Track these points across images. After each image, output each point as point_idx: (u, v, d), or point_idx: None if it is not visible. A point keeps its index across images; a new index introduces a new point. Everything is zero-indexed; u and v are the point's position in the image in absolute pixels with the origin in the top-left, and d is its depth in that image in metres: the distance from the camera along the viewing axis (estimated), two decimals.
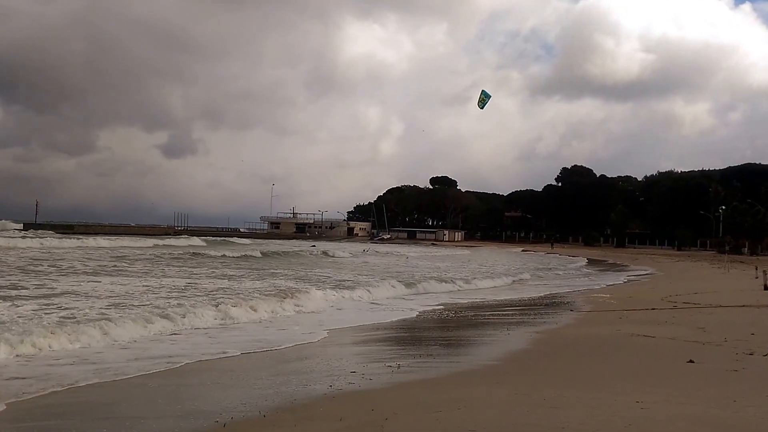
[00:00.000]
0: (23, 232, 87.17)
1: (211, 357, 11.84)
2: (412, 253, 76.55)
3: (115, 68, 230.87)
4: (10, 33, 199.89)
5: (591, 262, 67.86)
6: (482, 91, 32.65)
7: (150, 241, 67.98)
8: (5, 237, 61.11)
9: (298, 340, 13.91)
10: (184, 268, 34.63)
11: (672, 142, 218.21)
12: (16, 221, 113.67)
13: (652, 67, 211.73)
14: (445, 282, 31.37)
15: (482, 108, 33.02)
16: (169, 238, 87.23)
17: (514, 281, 35.56)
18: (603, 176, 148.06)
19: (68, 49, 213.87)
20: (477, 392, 8.58)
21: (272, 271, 35.90)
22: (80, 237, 69.85)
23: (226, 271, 33.97)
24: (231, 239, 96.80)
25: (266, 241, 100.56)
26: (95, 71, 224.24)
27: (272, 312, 18.44)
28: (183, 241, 77.43)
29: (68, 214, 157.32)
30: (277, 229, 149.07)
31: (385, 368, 10.55)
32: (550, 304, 23.22)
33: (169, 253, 48.89)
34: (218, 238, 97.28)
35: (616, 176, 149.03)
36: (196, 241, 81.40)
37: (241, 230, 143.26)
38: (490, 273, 41.38)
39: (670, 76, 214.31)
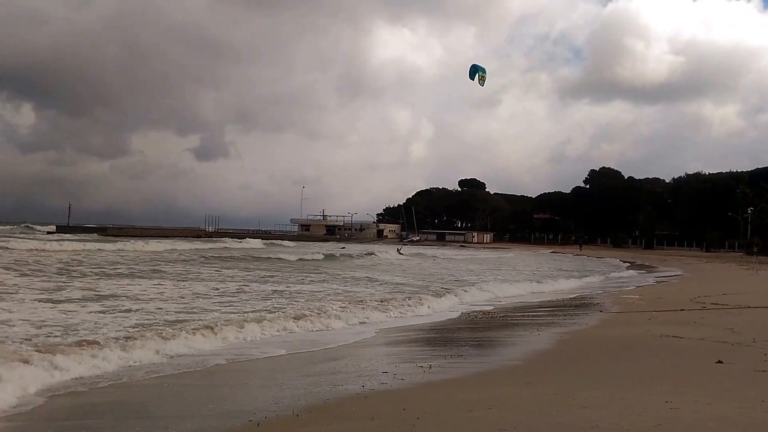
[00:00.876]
0: (66, 235, 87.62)
1: (249, 357, 11.95)
2: (454, 255, 75.77)
3: (148, 73, 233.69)
4: (45, 38, 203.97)
5: (624, 263, 67.38)
6: (473, 66, 31.60)
7: (206, 244, 68.06)
8: (63, 240, 60.92)
9: (340, 341, 14.01)
10: (272, 272, 34.75)
11: (700, 144, 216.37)
12: (50, 224, 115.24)
13: (681, 69, 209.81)
14: (511, 283, 31.59)
15: (483, 85, 32.33)
16: (226, 240, 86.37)
17: (581, 285, 35.00)
18: (631, 178, 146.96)
19: (102, 54, 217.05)
20: (508, 392, 8.60)
21: (352, 274, 36.17)
22: (130, 239, 69.40)
23: (310, 276, 33.89)
24: (278, 242, 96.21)
25: (310, 243, 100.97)
26: (128, 76, 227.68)
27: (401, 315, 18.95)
28: (243, 244, 76.65)
29: (101, 217, 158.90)
30: (308, 231, 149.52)
31: (417, 368, 10.60)
32: (579, 305, 23.08)
33: (232, 255, 49.34)
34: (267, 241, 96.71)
35: (644, 178, 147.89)
36: (257, 243, 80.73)
37: (272, 232, 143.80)
38: (553, 275, 41.66)
39: (699, 78, 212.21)
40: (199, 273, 31.72)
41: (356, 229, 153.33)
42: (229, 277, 30.18)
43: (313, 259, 50.59)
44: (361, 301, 20.77)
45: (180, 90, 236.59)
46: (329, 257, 54.02)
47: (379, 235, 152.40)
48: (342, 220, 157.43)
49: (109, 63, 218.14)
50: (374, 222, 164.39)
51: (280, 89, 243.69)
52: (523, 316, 19.56)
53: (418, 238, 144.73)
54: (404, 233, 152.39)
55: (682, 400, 7.81)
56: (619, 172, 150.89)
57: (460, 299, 24.09)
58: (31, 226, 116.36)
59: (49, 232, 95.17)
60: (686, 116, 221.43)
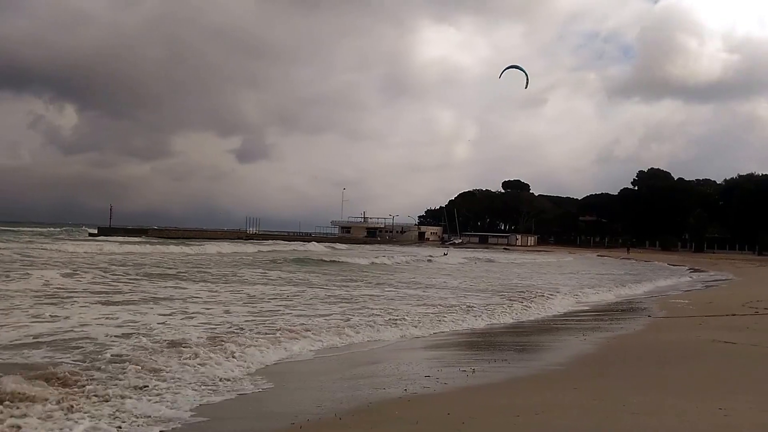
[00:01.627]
0: (125, 237, 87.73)
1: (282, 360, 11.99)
2: (511, 259, 73.40)
3: (190, 74, 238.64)
4: (89, 40, 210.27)
5: (673, 266, 66.30)
6: (509, 68, 32.05)
7: (266, 246, 68.59)
8: (118, 243, 61.56)
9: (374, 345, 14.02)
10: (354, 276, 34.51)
11: (755, 144, 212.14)
12: (91, 225, 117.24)
13: (736, 67, 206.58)
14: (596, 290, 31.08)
15: (526, 87, 33.19)
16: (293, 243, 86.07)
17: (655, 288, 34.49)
18: (681, 179, 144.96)
19: (145, 56, 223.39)
20: (555, 397, 8.51)
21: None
22: (200, 243, 69.70)
23: (386, 279, 33.57)
24: (336, 245, 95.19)
25: (367, 246, 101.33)
26: (171, 77, 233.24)
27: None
28: (307, 247, 75.44)
29: (142, 218, 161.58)
30: (348, 233, 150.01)
31: (460, 372, 10.52)
32: (626, 309, 22.78)
33: (308, 257, 49.74)
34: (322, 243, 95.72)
35: (694, 179, 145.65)
36: (319, 246, 79.12)
37: (312, 235, 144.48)
38: (625, 279, 41.23)
39: (754, 76, 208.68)
40: (272, 276, 31.73)
41: (397, 232, 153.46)
42: (307, 281, 30.16)
43: (384, 264, 49.89)
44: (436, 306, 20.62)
45: (222, 91, 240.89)
46: (396, 263, 52.63)
47: (421, 238, 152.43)
48: (383, 223, 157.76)
49: (152, 64, 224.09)
50: (415, 224, 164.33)
51: (321, 90, 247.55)
52: (567, 320, 19.38)
53: (460, 240, 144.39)
54: (446, 236, 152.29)
55: (736, 407, 7.66)
56: (669, 173, 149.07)
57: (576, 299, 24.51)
58: (75, 228, 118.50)
59: (90, 234, 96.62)
60: (740, 116, 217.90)
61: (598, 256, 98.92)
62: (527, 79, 31.84)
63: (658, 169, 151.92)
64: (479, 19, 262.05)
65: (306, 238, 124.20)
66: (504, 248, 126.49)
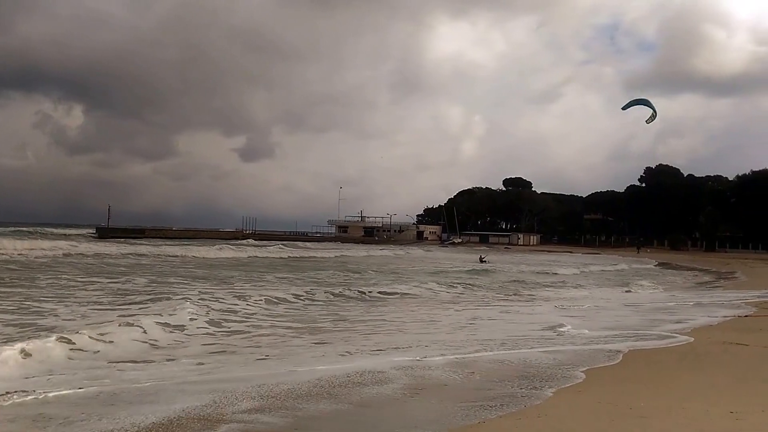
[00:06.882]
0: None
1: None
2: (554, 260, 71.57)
3: (200, 74, 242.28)
4: (103, 42, 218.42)
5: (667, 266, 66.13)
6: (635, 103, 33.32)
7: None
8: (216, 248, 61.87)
9: None
10: None
11: None
12: (90, 226, 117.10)
13: (764, 60, 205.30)
14: None
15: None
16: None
17: None
18: (690, 176, 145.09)
19: (155, 56, 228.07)
20: (559, 400, 8.50)
21: None
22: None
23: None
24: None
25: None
26: (180, 77, 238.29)
27: None
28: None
29: (143, 219, 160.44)
30: (345, 232, 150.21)
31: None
32: None
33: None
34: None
35: (705, 176, 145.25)
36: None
37: (309, 234, 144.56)
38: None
39: None
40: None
41: (395, 231, 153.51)
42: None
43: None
44: None
45: (231, 90, 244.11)
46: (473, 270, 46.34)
47: (419, 237, 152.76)
48: (381, 222, 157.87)
49: (162, 65, 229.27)
50: (413, 223, 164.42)
51: (330, 88, 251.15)
52: None
53: (460, 240, 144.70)
54: (445, 235, 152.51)
55: (749, 410, 7.67)
56: (678, 170, 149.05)
57: None
58: (78, 228, 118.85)
59: (89, 234, 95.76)
60: (763, 110, 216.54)
61: (608, 256, 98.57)
62: (654, 115, 32.73)
63: (666, 165, 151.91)
64: (495, 14, 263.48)
65: (302, 238, 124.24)
66: (505, 248, 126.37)
